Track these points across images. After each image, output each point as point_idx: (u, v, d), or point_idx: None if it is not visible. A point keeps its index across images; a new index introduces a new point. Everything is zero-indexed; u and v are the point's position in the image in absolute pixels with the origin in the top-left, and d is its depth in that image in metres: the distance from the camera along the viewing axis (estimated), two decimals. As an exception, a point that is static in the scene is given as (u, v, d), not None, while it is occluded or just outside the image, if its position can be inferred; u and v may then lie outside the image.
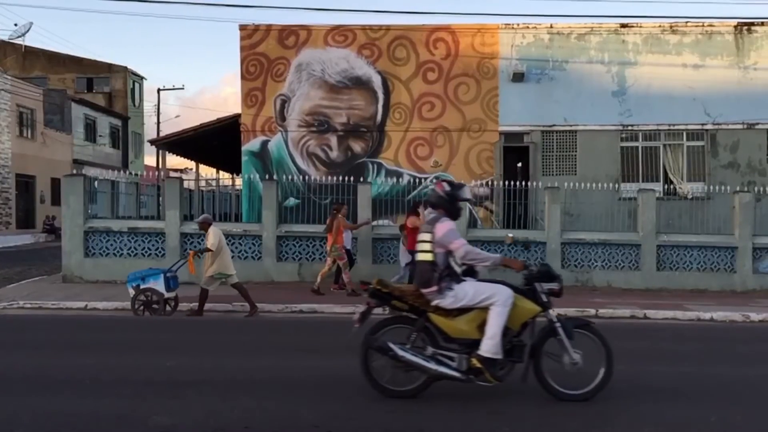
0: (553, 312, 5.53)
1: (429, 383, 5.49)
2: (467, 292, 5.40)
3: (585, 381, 5.47)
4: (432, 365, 5.35)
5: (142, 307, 10.25)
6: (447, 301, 5.41)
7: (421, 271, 5.49)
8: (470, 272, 5.60)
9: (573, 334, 5.48)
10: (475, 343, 5.34)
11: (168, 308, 10.41)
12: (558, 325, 5.47)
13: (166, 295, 10.34)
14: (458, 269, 5.50)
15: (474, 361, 5.30)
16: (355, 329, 5.48)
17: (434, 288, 5.40)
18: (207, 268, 10.50)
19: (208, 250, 10.42)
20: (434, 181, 5.97)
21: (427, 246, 5.49)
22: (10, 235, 27.31)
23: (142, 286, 10.27)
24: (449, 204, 5.63)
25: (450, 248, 5.44)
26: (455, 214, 5.66)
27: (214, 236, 10.42)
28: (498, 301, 5.31)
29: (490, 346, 5.27)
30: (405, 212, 15.78)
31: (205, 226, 10.67)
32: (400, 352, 5.35)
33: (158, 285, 10.27)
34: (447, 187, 5.65)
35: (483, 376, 5.32)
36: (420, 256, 5.55)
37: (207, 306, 10.83)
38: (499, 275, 6.60)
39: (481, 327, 5.35)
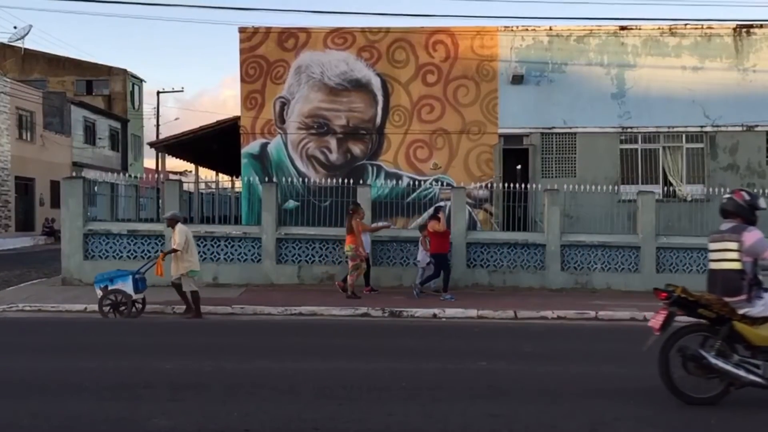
0: None
1: (727, 391, 5.52)
2: None
3: None
4: (742, 373, 5.39)
5: (109, 309, 10.21)
6: (757, 309, 5.45)
7: (729, 279, 5.52)
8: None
9: None
10: None
11: (135, 310, 10.36)
12: None
13: (134, 296, 10.30)
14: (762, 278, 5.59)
15: None
16: (655, 337, 5.55)
17: (743, 297, 5.45)
18: (178, 266, 10.41)
19: (175, 250, 10.36)
20: (731, 190, 5.99)
21: (734, 255, 5.53)
22: (10, 238, 27.27)
23: (110, 288, 10.25)
24: (749, 213, 5.68)
25: (765, 256, 5.48)
26: (754, 223, 5.71)
27: (180, 235, 10.35)
28: None
29: None
30: (404, 215, 15.87)
31: (172, 222, 10.61)
32: (713, 360, 5.38)
33: (126, 286, 10.22)
34: (747, 197, 5.72)
35: None
36: (725, 265, 5.57)
37: (207, 309, 10.83)
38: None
39: None
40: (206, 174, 28.37)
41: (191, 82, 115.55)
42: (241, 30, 17.29)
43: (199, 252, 13.90)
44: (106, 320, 10.15)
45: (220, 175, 27.23)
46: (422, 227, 13.26)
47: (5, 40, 39.28)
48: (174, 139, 20.38)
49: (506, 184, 15.06)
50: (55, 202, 28.93)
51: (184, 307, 10.67)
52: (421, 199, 16.51)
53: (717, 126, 16.83)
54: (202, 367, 6.71)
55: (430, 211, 16.33)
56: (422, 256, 13.01)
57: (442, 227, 12.63)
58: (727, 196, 5.83)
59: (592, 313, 11.34)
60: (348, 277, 12.47)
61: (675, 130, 16.97)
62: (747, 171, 16.84)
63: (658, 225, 14.39)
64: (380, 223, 14.25)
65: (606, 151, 16.90)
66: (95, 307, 11.13)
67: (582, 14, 73.85)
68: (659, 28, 16.99)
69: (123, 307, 10.20)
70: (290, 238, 14.20)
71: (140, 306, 10.58)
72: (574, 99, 16.89)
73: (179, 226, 10.50)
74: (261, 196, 14.74)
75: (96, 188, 15.91)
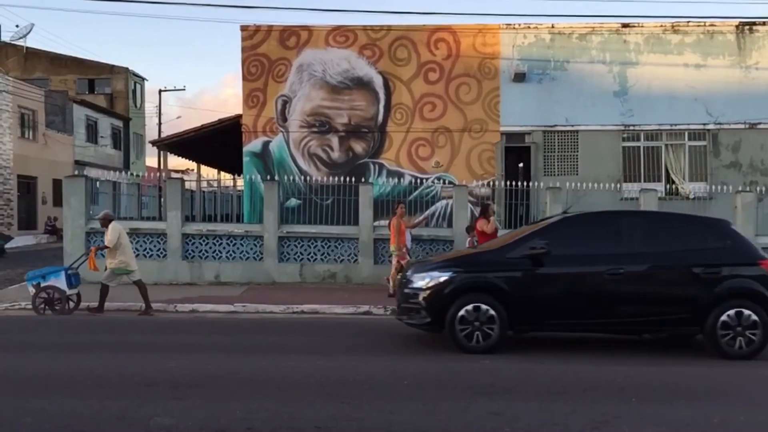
0: None
1: None
2: None
3: None
4: None
5: (44, 305, 10.26)
6: None
7: None
8: None
9: None
10: None
11: (68, 306, 10.42)
12: None
13: (68, 292, 10.39)
14: None
15: None
16: None
17: None
18: (109, 262, 10.58)
19: (106, 247, 10.54)
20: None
21: None
22: (12, 236, 27.27)
23: (42, 284, 10.31)
24: None
25: None
26: None
27: (112, 233, 10.52)
28: None
29: None
30: (406, 213, 15.80)
31: (105, 222, 10.80)
32: None
33: (59, 282, 10.34)
34: None
35: None
36: None
37: (209, 307, 10.82)
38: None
39: None
40: (208, 172, 28.40)
41: (193, 80, 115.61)
42: (243, 28, 17.30)
43: (201, 250, 14.07)
44: (107, 318, 10.16)
45: (222, 173, 27.25)
46: (469, 228, 13.19)
47: (7, 39, 39.30)
48: (176, 137, 20.38)
49: (508, 182, 15.05)
50: (58, 201, 28.90)
51: (187, 305, 10.67)
52: (423, 197, 16.50)
53: (719, 124, 16.79)
54: (205, 365, 6.71)
55: (438, 204, 16.41)
56: None
57: (492, 227, 12.57)
58: None
59: (595, 311, 11.30)
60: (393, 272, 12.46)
61: (677, 127, 16.94)
62: (750, 169, 16.81)
63: (661, 223, 14.33)
64: (419, 218, 14.48)
65: (608, 149, 16.88)
66: (97, 305, 11.15)
67: (584, 12, 73.74)
68: (662, 26, 16.96)
69: (57, 304, 10.26)
70: (292, 237, 14.20)
71: (74, 302, 10.64)
72: (576, 97, 16.87)
73: (112, 225, 10.68)
74: (263, 194, 14.74)
75: (98, 187, 15.91)
